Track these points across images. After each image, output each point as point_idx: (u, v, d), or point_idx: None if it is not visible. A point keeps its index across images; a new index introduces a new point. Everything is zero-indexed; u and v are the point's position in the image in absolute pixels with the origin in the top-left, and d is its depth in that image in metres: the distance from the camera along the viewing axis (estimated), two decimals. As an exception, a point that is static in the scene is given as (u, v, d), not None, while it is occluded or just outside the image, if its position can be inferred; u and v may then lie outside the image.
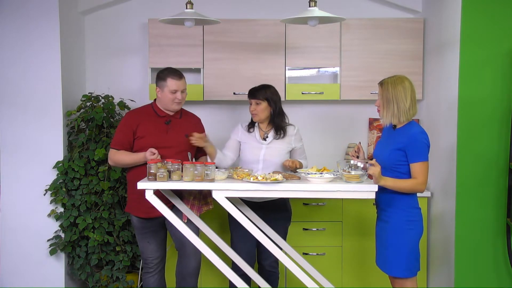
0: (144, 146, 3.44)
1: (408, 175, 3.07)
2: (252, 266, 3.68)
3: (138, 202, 3.39)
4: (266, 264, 3.70)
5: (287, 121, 3.74)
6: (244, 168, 3.46)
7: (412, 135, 3.05)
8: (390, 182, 3.03)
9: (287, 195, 3.10)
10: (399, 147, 3.06)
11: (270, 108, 3.65)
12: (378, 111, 3.17)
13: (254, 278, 3.42)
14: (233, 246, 3.68)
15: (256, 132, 3.70)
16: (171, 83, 3.44)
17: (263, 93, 3.63)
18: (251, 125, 3.73)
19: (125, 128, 3.50)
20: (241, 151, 3.72)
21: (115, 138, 3.53)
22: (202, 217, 3.49)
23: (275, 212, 3.66)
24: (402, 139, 3.07)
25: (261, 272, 3.72)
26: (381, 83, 3.16)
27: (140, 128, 3.47)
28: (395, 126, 3.17)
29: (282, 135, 3.65)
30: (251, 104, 3.66)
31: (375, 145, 4.60)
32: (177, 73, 3.48)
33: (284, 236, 3.69)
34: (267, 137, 3.66)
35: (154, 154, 3.32)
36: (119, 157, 3.48)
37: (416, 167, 3.03)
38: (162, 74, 3.49)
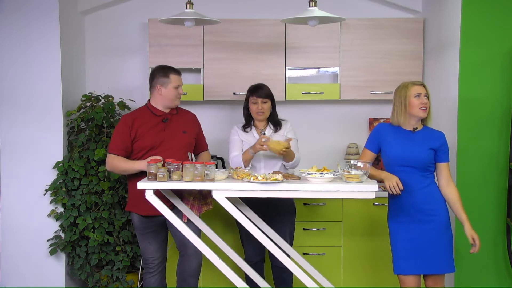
0: (143, 147, 3.44)
1: (433, 173, 3.22)
2: (262, 262, 3.79)
3: (139, 200, 3.38)
4: (278, 261, 3.73)
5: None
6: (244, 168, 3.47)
7: (443, 137, 3.21)
8: None
9: (287, 195, 3.10)
10: (432, 147, 3.17)
11: (271, 106, 3.74)
12: (425, 109, 3.18)
13: (254, 278, 3.42)
14: (241, 242, 3.83)
15: (254, 131, 3.75)
16: (174, 79, 3.51)
17: (268, 92, 3.72)
18: (247, 125, 3.77)
19: (122, 132, 3.44)
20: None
21: (112, 143, 3.45)
22: (202, 217, 3.49)
23: (280, 209, 3.71)
24: (434, 140, 3.18)
25: (273, 270, 3.81)
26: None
27: (138, 130, 3.45)
28: (415, 128, 3.20)
29: (279, 129, 3.74)
30: (255, 103, 3.69)
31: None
32: (176, 70, 3.57)
33: (289, 233, 3.74)
34: (264, 133, 3.71)
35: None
36: (117, 163, 3.41)
37: (447, 167, 3.19)
38: (163, 72, 3.52)
